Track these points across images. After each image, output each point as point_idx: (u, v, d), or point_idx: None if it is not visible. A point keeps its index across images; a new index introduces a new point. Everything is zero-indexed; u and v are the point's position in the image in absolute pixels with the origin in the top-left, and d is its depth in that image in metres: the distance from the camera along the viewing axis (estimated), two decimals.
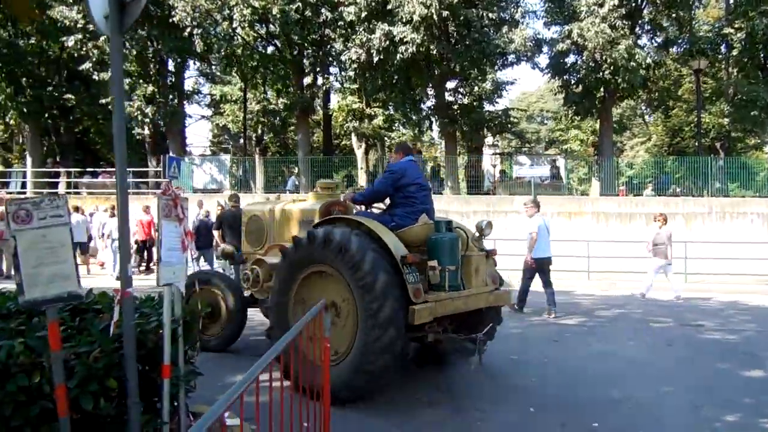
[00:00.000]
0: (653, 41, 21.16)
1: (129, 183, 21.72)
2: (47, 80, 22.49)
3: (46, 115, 25.11)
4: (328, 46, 21.03)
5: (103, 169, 23.86)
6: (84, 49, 19.56)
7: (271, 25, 19.47)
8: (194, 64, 26.17)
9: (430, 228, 5.21)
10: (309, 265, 5.14)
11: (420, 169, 5.84)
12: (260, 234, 6.63)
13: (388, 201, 5.72)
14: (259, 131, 28.04)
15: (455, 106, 21.52)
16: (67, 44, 19.51)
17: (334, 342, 4.66)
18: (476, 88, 22.52)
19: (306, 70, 22.58)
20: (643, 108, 34.63)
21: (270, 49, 22.33)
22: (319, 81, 23.41)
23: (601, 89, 20.22)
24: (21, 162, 28.25)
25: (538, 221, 9.28)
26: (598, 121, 22.64)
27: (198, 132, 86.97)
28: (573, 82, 20.82)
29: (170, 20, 18.01)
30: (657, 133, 36.82)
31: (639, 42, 19.61)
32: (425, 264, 5.01)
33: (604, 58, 17.94)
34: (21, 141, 33.54)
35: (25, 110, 21.89)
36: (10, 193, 22.56)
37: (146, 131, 24.28)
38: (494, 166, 24.45)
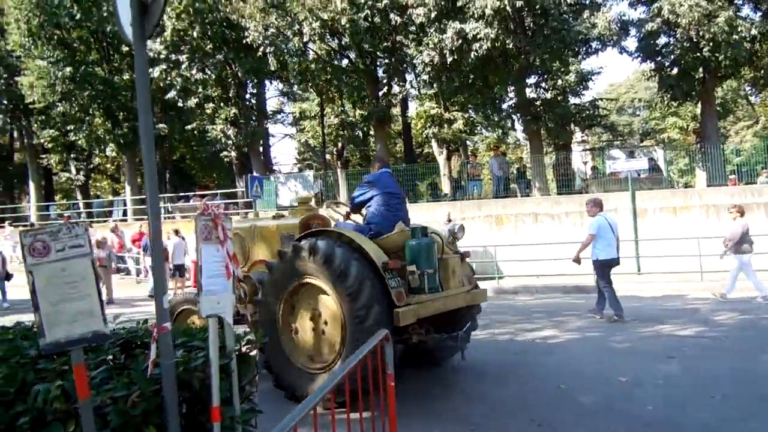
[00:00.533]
0: (757, 10, 19.00)
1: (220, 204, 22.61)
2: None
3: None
4: (401, 52, 20.61)
5: (194, 193, 24.74)
6: (168, 78, 20.30)
7: (341, 37, 19.34)
8: (270, 83, 26.65)
9: (407, 234, 5.47)
10: (295, 278, 5.25)
11: (395, 179, 6.23)
12: (242, 251, 6.60)
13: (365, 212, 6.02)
14: (339, 145, 28.10)
15: (538, 102, 20.36)
16: (153, 75, 20.35)
17: (323, 349, 5.17)
18: (559, 81, 21.25)
19: (380, 79, 22.28)
20: (747, 88, 31.47)
21: (344, 62, 22.24)
22: (395, 89, 23.05)
23: (700, 69, 18.35)
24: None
25: (598, 221, 8.85)
26: (699, 104, 20.63)
27: (284, 150, 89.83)
28: (667, 64, 19.06)
29: (244, 41, 18.29)
30: (766, 115, 33.34)
31: (740, 13, 17.63)
32: (405, 269, 5.21)
33: (701, 34, 16.23)
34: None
35: (121, 141, 23.09)
36: (114, 221, 23.89)
37: (233, 153, 24.99)
38: (585, 162, 22.93)
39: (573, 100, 22.18)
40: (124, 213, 24.34)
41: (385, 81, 22.63)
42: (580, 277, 11.99)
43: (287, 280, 5.28)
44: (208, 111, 21.43)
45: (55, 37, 20.85)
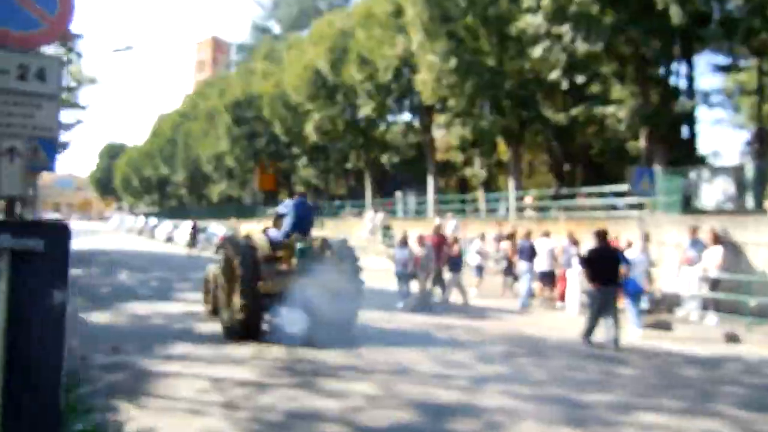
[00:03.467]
0: None
1: (600, 204, 19.30)
2: (527, 98, 22.23)
3: (539, 138, 25.31)
4: None
5: (584, 189, 21.92)
6: (551, 56, 18.16)
7: None
8: (698, 55, 21.34)
9: (297, 240, 9.70)
10: (228, 260, 9.59)
11: (306, 205, 10.58)
12: None
13: None
14: None
15: None
16: (533, 55, 18.53)
17: (233, 301, 9.27)
18: None
19: None
20: None
21: None
22: None
23: None
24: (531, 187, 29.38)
25: None
26: None
27: (725, 138, 76.58)
28: None
29: None
30: None
31: None
32: (280, 259, 9.78)
33: None
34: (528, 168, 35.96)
35: (507, 133, 22.29)
36: (497, 218, 23.26)
37: (642, 142, 21.16)
38: None
39: None
40: (507, 210, 23.46)
41: None
42: None
43: (226, 261, 9.62)
44: (597, 90, 18.40)
45: (444, 30, 21.20)
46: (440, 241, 14.66)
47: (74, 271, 19.15)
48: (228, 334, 9.26)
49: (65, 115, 25.41)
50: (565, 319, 12.87)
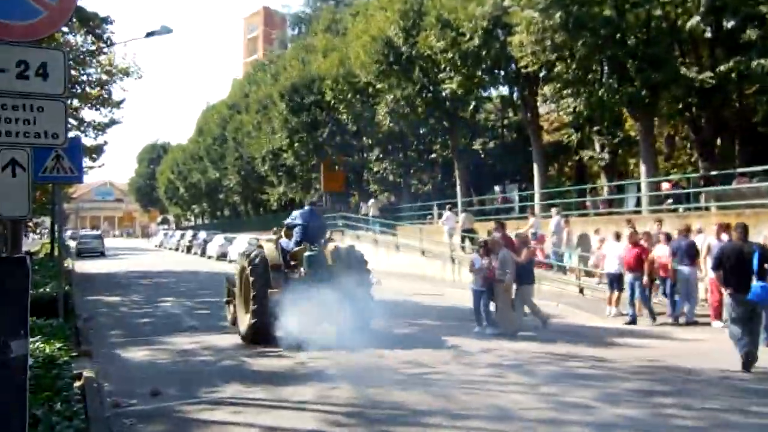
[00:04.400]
0: None
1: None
2: (658, 56, 21.29)
3: (679, 105, 24.12)
4: None
5: (743, 170, 20.76)
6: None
7: None
8: None
9: (306, 249, 12.38)
10: (244, 270, 12.48)
11: (315, 214, 13.41)
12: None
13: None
14: None
15: None
16: None
17: (248, 306, 12.10)
18: None
19: None
20: None
21: None
22: None
23: None
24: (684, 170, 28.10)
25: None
26: None
27: None
28: None
29: None
30: None
31: None
32: (292, 268, 12.50)
33: None
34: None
35: (629, 101, 21.51)
36: (620, 213, 22.51)
37: None
38: None
39: None
40: (638, 202, 22.66)
41: None
42: None
43: (241, 271, 12.72)
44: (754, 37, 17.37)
45: None
46: (507, 245, 14.35)
47: (112, 299, 20.20)
48: (243, 340, 12.24)
49: (98, 115, 26.69)
50: (723, 341, 12.13)
